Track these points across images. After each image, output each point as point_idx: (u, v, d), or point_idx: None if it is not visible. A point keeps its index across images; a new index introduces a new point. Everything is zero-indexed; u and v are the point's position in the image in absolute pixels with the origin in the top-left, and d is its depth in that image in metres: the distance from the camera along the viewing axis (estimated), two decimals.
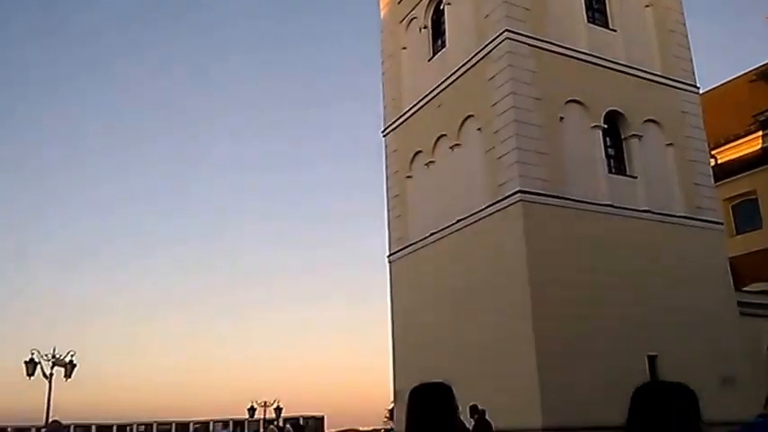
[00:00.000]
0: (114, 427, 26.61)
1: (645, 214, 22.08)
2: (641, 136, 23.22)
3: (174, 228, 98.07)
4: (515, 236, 20.06)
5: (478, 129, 22.56)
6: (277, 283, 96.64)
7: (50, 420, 8.43)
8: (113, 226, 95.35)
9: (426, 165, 25.20)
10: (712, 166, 25.52)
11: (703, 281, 22.06)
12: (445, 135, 24.19)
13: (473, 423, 13.63)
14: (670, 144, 23.80)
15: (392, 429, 14.29)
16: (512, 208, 20.43)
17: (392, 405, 23.29)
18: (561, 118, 21.80)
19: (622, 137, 23.32)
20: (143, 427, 22.82)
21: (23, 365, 23.31)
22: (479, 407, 13.98)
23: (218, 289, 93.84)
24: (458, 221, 22.63)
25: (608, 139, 23.00)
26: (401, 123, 27.02)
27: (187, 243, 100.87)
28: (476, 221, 21.86)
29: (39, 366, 23.66)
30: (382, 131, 28.32)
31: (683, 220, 22.82)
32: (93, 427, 26.37)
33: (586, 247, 20.39)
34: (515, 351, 18.98)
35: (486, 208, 21.42)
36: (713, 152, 28.01)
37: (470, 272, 21.62)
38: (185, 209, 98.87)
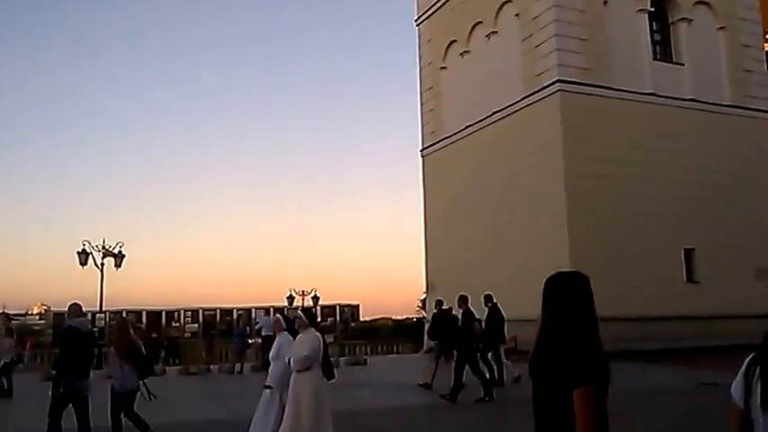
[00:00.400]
0: (163, 313, 28.10)
1: (690, 103, 21.27)
2: (691, 20, 21.95)
3: (223, 120, 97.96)
4: (552, 127, 19.63)
5: (516, 15, 21.60)
6: (314, 178, 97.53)
7: (70, 304, 8.48)
8: (162, 112, 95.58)
9: (461, 55, 24.43)
10: (766, 52, 24.13)
11: (747, 173, 21.48)
12: (481, 22, 23.24)
13: (487, 312, 14.43)
14: (722, 28, 22.47)
15: (424, 318, 14.87)
16: (549, 98, 19.88)
17: (424, 295, 23.97)
18: (605, 2, 20.65)
19: (670, 21, 22.08)
20: (189, 313, 24.18)
21: (76, 256, 24.38)
22: (492, 297, 14.61)
23: (259, 183, 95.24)
24: (493, 113, 22.18)
25: (654, 23, 21.81)
26: (436, 11, 25.98)
27: (227, 141, 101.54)
28: (512, 113, 21.40)
29: (90, 257, 24.75)
30: (416, 20, 27.34)
31: (730, 109, 21.93)
32: (144, 313, 27.94)
33: (626, 139, 19.88)
34: (549, 243, 19.10)
35: (523, 99, 20.89)
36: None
37: (505, 165, 21.43)
38: (230, 98, 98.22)
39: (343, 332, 22.64)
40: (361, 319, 30.92)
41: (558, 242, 18.85)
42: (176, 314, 29.18)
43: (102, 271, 25.36)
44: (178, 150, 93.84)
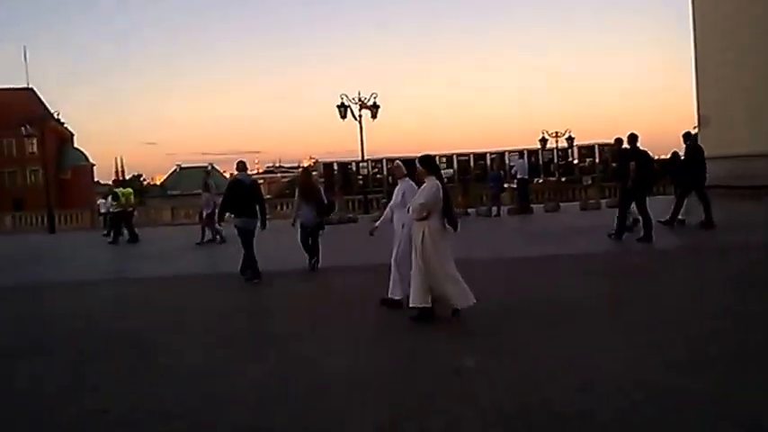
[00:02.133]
0: (416, 161, 28.99)
1: None
2: None
3: None
4: None
5: None
6: (565, 20, 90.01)
7: (237, 161, 9.86)
8: None
9: None
10: None
11: None
12: None
13: (684, 148, 12.61)
14: None
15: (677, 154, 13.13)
16: None
17: (695, 130, 21.05)
18: None
19: None
20: (444, 158, 24.53)
21: (336, 110, 25.88)
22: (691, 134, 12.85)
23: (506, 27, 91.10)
24: None
25: None
26: None
27: None
28: None
29: (348, 109, 26.10)
30: None
31: None
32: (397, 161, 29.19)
33: None
34: None
35: None
36: None
37: None
38: None
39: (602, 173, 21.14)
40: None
41: None
42: None
43: (360, 122, 26.74)
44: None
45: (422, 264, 6.31)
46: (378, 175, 23.68)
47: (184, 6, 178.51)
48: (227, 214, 10.27)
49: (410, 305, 6.51)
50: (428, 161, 6.67)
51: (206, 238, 16.56)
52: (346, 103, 25.99)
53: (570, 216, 18.36)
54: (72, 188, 73.38)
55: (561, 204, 21.62)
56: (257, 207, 9.82)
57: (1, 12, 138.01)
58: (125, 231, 18.74)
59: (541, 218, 18.79)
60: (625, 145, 12.25)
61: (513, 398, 4.29)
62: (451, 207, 6.56)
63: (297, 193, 10.90)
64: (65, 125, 79.99)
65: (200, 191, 17.50)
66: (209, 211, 15.92)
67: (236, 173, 10.68)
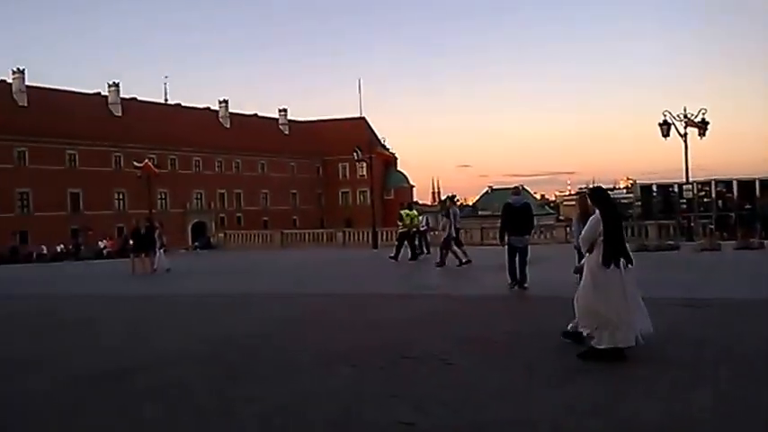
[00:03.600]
0: (756, 182, 24.88)
1: None
2: None
3: None
4: None
5: None
6: None
7: (513, 186, 10.37)
8: None
9: None
10: None
11: None
12: None
13: None
14: None
15: None
16: None
17: None
18: None
19: None
20: None
21: (658, 128, 23.89)
22: None
23: None
24: None
25: None
26: None
27: None
28: None
29: (672, 127, 23.84)
30: None
31: None
32: (734, 182, 25.32)
33: None
34: None
35: None
36: None
37: None
38: None
39: None
40: None
41: None
42: None
43: (685, 141, 24.10)
44: None
45: (580, 297, 6.29)
46: (705, 199, 21.39)
47: (511, 38, 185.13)
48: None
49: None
50: (597, 195, 6.51)
51: (446, 260, 16.90)
52: (669, 121, 23.74)
53: None
54: (394, 208, 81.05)
55: None
56: (526, 227, 11.70)
57: (339, 52, 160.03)
58: (424, 249, 20.70)
59: None
60: None
61: None
62: (612, 241, 6.08)
63: (574, 217, 11.54)
64: (390, 150, 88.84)
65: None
66: (446, 236, 16.81)
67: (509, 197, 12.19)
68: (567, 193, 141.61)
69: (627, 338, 5.93)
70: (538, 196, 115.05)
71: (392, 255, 20.10)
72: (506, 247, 11.56)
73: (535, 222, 15.94)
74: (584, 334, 6.23)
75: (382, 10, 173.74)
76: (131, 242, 21.50)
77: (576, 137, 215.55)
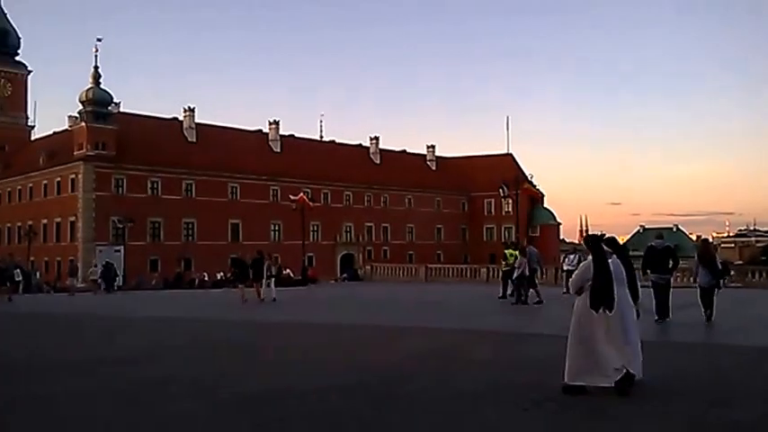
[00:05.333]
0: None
1: None
2: None
3: None
4: None
5: None
6: None
7: (658, 233, 11.73)
8: None
9: None
10: None
11: None
12: None
13: None
14: None
15: None
16: None
17: None
18: None
19: None
20: None
21: None
22: None
23: None
24: None
25: None
26: None
27: None
28: None
29: None
30: None
31: None
32: None
33: None
34: None
35: None
36: None
37: None
38: None
39: None
40: None
41: None
42: None
43: None
44: None
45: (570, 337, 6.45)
46: None
47: (665, 76, 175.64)
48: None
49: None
50: (589, 241, 6.68)
51: (522, 298, 18.19)
52: None
53: None
54: (540, 245, 78.79)
55: None
56: (667, 266, 12.76)
57: (487, 90, 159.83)
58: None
59: None
60: None
61: None
62: (602, 285, 6.24)
63: (696, 259, 13.39)
64: (537, 187, 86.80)
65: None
66: (519, 273, 18.07)
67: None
68: (726, 234, 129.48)
69: (597, 379, 6.13)
70: (693, 237, 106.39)
71: (500, 295, 20.18)
72: (651, 285, 12.64)
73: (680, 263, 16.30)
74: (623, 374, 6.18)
75: (531, 54, 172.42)
76: (236, 271, 23.16)
77: (737, 176, 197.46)
